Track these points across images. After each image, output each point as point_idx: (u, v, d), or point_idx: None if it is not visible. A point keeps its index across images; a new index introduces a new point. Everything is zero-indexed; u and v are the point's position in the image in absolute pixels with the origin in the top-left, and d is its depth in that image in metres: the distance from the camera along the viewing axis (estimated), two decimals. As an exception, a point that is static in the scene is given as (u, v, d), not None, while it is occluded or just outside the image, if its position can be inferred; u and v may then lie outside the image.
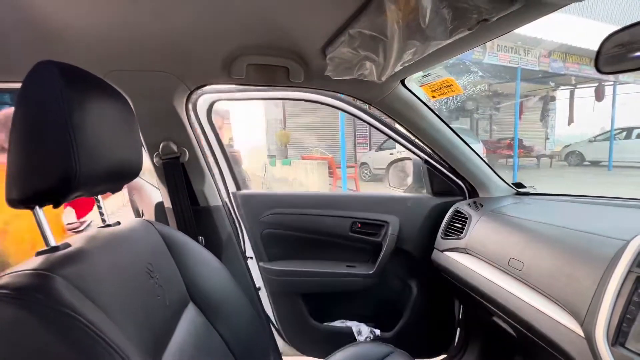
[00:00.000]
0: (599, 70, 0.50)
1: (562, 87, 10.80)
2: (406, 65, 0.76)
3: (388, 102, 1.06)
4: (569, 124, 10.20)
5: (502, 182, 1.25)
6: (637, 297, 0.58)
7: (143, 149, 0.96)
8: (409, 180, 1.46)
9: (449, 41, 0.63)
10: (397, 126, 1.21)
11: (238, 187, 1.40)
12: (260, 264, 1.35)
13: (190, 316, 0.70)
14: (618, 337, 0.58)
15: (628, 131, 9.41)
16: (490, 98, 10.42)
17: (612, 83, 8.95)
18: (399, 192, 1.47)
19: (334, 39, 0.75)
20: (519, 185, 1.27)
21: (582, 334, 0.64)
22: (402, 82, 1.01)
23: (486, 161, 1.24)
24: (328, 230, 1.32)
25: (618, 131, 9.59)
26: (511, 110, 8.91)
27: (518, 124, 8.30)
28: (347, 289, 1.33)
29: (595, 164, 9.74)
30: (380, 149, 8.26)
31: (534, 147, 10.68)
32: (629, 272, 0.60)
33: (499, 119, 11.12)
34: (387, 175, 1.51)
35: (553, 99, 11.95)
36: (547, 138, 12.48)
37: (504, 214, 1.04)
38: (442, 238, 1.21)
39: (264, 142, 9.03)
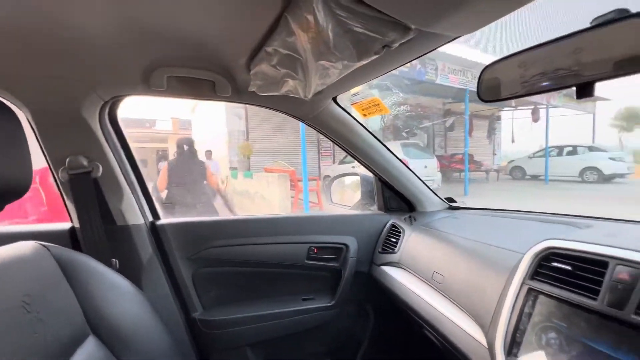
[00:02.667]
0: (480, 98, 0.55)
1: (505, 108, 11.94)
2: (330, 83, 0.78)
3: (321, 119, 1.08)
4: (512, 142, 11.23)
5: (435, 197, 1.32)
6: (527, 308, 0.61)
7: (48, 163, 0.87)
8: (354, 196, 1.48)
9: (360, 63, 0.66)
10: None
11: (155, 215, 1.09)
12: (194, 315, 1.08)
13: (88, 351, 0.62)
14: (512, 348, 0.61)
15: (560, 149, 10.59)
16: (444, 116, 11.17)
17: (545, 106, 10.07)
18: (354, 211, 1.45)
19: (255, 54, 0.74)
20: (451, 200, 1.34)
21: (486, 345, 0.67)
22: (335, 100, 1.03)
23: (420, 177, 1.30)
24: (281, 261, 1.15)
25: (552, 149, 10.76)
26: (463, 127, 9.65)
27: (468, 141, 8.97)
28: (305, 327, 1.18)
29: (535, 177, 10.78)
30: (342, 162, 8.43)
31: (483, 162, 11.56)
32: (522, 283, 0.63)
33: (453, 136, 11.95)
34: (329, 191, 1.50)
35: (498, 118, 13.14)
36: (494, 154, 13.62)
37: (433, 228, 1.08)
38: (379, 252, 1.23)
39: (226, 153, 8.80)
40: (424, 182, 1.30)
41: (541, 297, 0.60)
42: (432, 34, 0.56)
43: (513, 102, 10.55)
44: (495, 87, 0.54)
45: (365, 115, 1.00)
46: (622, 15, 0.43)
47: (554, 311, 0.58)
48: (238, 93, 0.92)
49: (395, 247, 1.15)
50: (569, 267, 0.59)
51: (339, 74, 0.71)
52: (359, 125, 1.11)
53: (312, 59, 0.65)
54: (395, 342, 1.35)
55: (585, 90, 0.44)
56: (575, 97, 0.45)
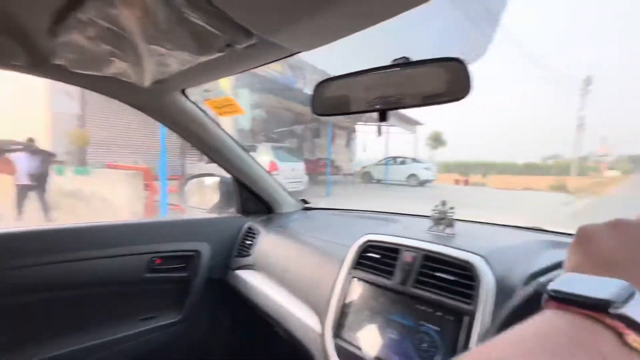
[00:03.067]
0: (314, 112, 0.61)
1: (359, 123, 14.22)
2: (172, 73, 0.70)
3: (168, 112, 0.96)
4: (364, 151, 13.46)
5: (291, 198, 1.39)
6: (350, 294, 0.72)
7: None
8: (213, 198, 1.39)
9: (204, 58, 0.61)
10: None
11: None
12: None
13: None
14: (338, 330, 0.71)
15: (395, 159, 13.47)
16: (311, 123, 12.21)
17: (385, 124, 12.62)
18: (209, 214, 1.35)
19: (62, 18, 0.58)
20: (305, 201, 1.45)
21: (320, 331, 0.75)
22: (184, 93, 0.94)
23: (277, 179, 1.35)
24: (112, 278, 0.98)
25: (391, 159, 13.55)
26: (332, 136, 10.84)
27: (331, 148, 10.13)
28: (148, 350, 1.04)
29: (379, 181, 13.27)
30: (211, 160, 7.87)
31: (342, 166, 13.34)
32: (348, 273, 0.74)
33: (319, 142, 13.24)
34: (185, 193, 1.36)
35: (355, 130, 15.50)
36: (351, 160, 15.94)
37: (287, 228, 1.14)
38: (235, 257, 1.20)
39: (48, 142, 6.68)
40: (281, 185, 1.36)
41: (360, 283, 0.72)
42: (274, 44, 0.58)
43: (364, 117, 12.67)
44: (330, 103, 0.61)
45: (220, 113, 0.96)
46: (421, 59, 0.51)
47: (368, 293, 0.70)
48: (40, 65, 0.70)
49: (250, 249, 1.14)
50: (377, 255, 0.72)
51: (181, 65, 0.65)
52: (213, 123, 1.05)
53: (142, 41, 0.56)
54: (252, 346, 1.34)
55: (383, 116, 0.55)
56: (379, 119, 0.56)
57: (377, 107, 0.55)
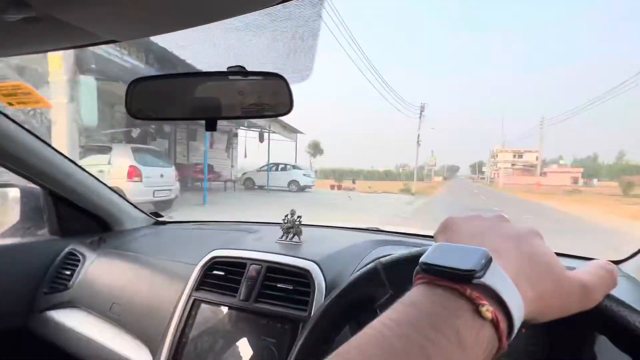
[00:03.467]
0: (130, 114, 0.52)
1: (241, 127, 13.86)
2: None
3: None
4: (245, 157, 13.20)
5: (139, 212, 1.18)
6: (192, 319, 0.64)
7: None
8: (8, 217, 1.02)
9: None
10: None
11: None
12: None
13: None
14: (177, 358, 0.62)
15: (276, 165, 13.80)
16: (186, 125, 11.07)
17: (267, 130, 12.74)
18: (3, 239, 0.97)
19: None
20: (157, 214, 1.26)
21: None
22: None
23: (118, 192, 1.12)
24: None
25: (272, 165, 13.78)
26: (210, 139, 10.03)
27: (208, 152, 9.44)
28: None
29: (261, 187, 13.24)
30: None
31: (222, 172, 12.63)
32: (190, 296, 0.67)
33: (195, 145, 12.11)
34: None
35: (236, 135, 14.99)
36: (232, 166, 15.32)
37: (126, 249, 0.95)
38: (44, 293, 0.91)
39: None
40: (124, 197, 1.13)
41: (203, 306, 0.65)
42: (67, 25, 0.46)
43: (245, 122, 12.44)
44: (145, 104, 0.53)
45: (10, 104, 0.71)
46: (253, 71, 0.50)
47: (211, 316, 0.64)
48: None
49: (70, 281, 0.90)
50: (222, 273, 0.67)
51: None
52: (18, 126, 0.77)
53: None
54: None
55: (212, 125, 0.51)
56: (205, 129, 0.51)
57: (205, 115, 0.52)
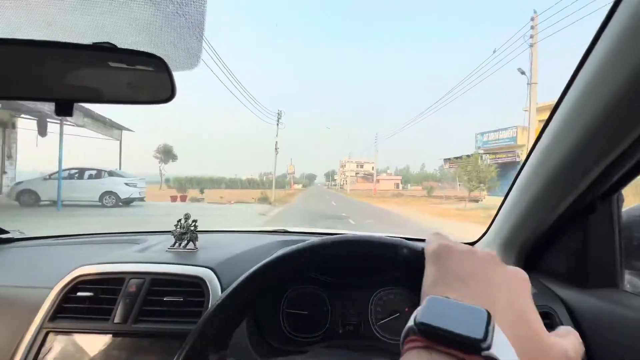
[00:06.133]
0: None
1: (23, 116, 9.23)
2: None
3: None
4: (7, 159, 8.73)
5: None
6: (43, 354, 0.55)
7: None
8: None
9: None
10: None
11: None
12: None
13: None
14: None
15: (81, 172, 9.88)
16: None
17: (58, 121, 8.85)
18: None
19: None
20: (1, 231, 0.98)
21: None
22: None
23: None
24: None
25: (75, 171, 9.79)
26: None
27: None
28: None
29: (54, 203, 9.05)
30: None
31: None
32: (41, 327, 0.57)
33: None
34: None
35: (14, 125, 9.96)
36: (4, 172, 10.08)
37: None
38: None
39: None
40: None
41: (60, 338, 0.56)
42: None
43: (23, 107, 8.22)
44: None
45: None
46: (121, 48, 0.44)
47: (72, 349, 0.55)
48: None
49: None
50: (89, 294, 0.59)
51: None
52: None
53: None
54: None
55: (65, 109, 0.45)
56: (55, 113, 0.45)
57: (59, 97, 0.46)
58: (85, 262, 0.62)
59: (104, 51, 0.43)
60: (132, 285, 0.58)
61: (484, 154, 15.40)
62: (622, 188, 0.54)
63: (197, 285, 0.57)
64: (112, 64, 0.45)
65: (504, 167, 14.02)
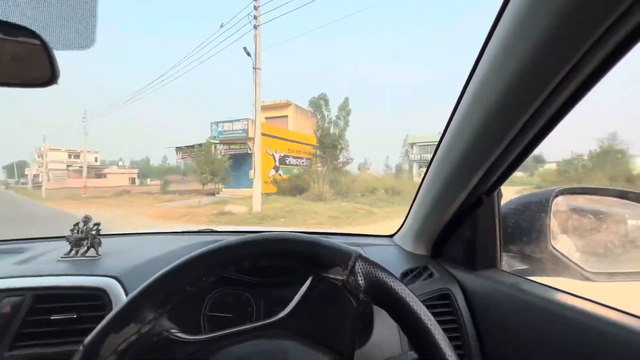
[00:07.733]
0: None
1: None
2: None
3: None
4: None
5: None
6: None
7: None
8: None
9: None
10: None
11: None
12: None
13: None
14: None
15: None
16: None
17: None
18: None
19: None
20: None
21: None
22: None
23: None
24: None
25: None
26: None
27: None
28: None
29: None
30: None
31: None
32: None
33: None
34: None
35: None
36: None
37: None
38: None
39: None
40: None
41: None
42: None
43: None
44: None
45: None
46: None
47: None
48: None
49: None
50: None
51: None
52: None
53: None
54: None
55: None
56: None
57: None
58: None
59: None
60: (5, 305, 0.51)
61: (218, 144, 14.28)
62: (501, 185, 0.65)
63: (96, 298, 0.52)
64: None
65: (237, 159, 13.56)
